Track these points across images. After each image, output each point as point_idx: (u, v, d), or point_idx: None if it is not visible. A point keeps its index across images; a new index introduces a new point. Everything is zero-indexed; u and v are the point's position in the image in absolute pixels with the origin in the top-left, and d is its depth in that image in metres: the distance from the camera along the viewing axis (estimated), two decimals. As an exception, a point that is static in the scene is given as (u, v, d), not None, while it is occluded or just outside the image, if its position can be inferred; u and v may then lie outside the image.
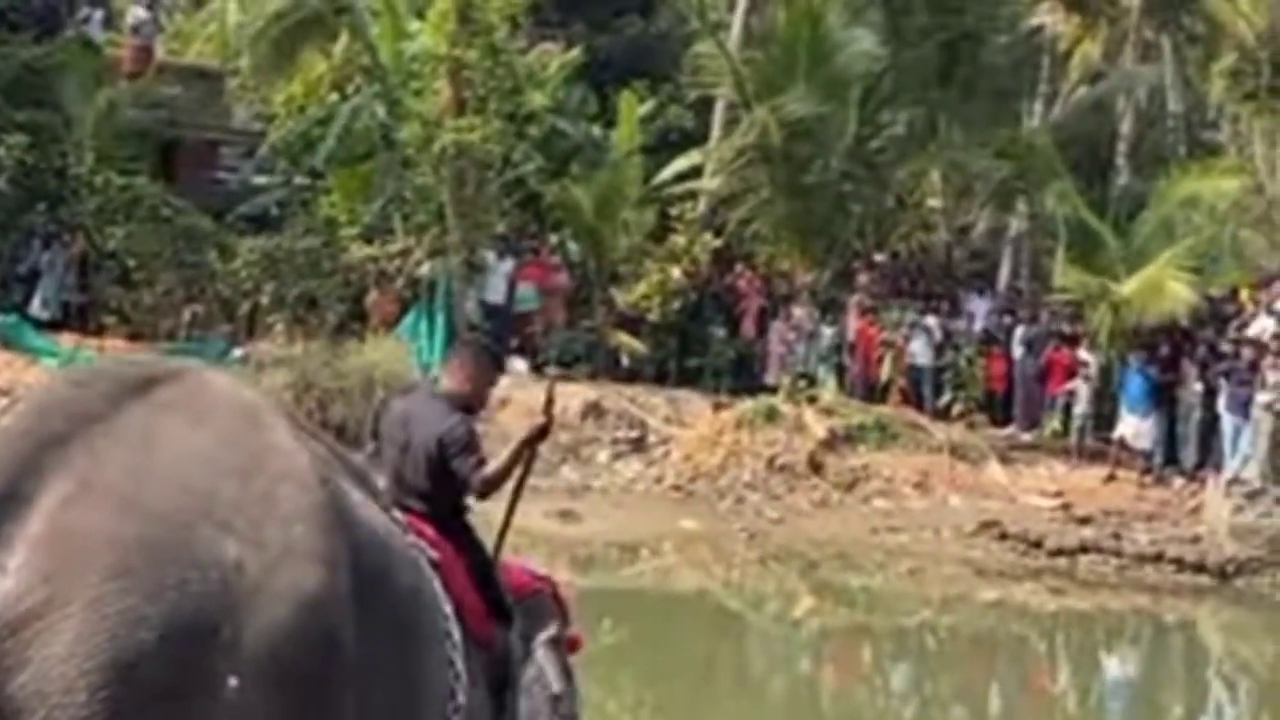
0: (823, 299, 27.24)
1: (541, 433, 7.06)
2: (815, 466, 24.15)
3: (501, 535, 7.13)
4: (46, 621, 4.01)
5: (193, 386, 4.60)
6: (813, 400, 25.34)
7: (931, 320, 26.08)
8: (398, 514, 5.64)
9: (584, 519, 22.14)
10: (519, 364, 26.54)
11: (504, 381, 26.07)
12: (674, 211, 27.88)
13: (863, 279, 27.95)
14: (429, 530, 6.35)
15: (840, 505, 23.73)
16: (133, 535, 4.13)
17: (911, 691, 17.32)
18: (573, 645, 7.41)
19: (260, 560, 4.27)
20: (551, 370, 26.16)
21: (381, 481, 6.29)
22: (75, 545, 4.08)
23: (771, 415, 24.75)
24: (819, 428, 24.61)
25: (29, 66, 28.19)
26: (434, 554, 6.00)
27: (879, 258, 29.31)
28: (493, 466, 6.81)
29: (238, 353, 26.43)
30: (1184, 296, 23.93)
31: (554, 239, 28.45)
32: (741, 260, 28.29)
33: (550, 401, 7.33)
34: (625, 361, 27.03)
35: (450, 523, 6.73)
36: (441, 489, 6.77)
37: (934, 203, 30.37)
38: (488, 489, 6.85)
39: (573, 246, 28.48)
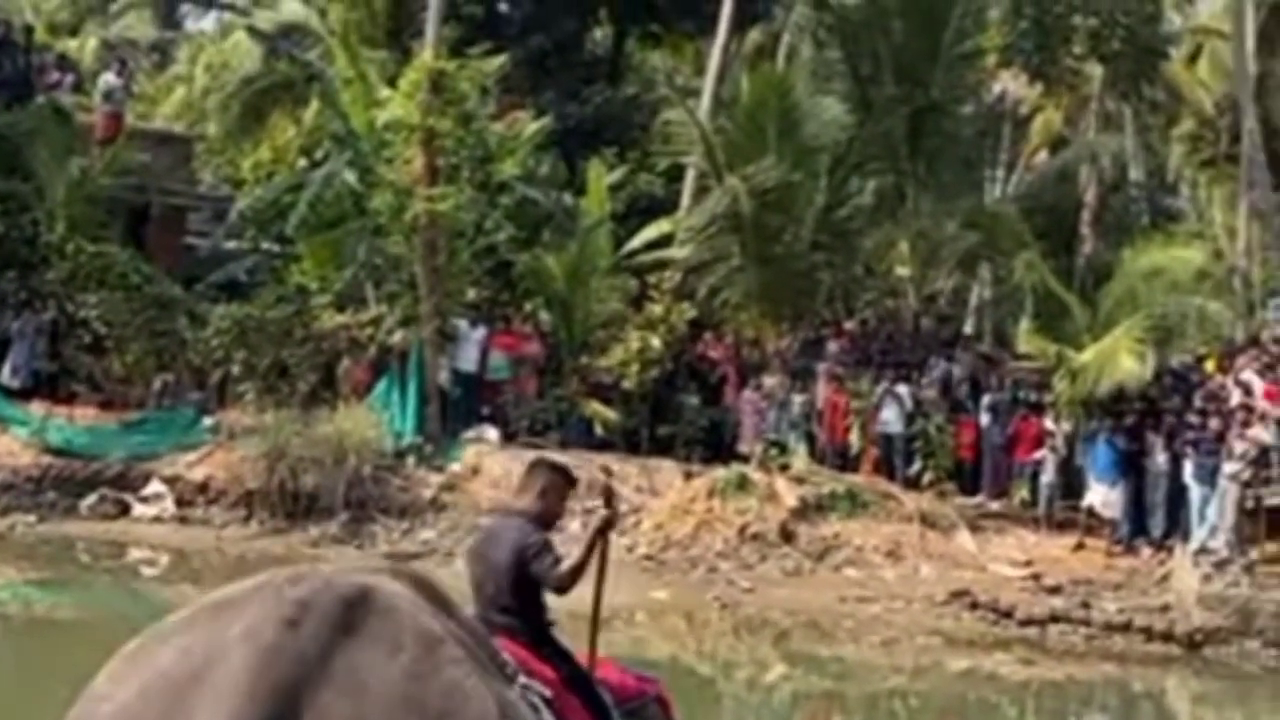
0: (794, 367, 27.35)
1: (607, 524, 7.46)
2: (787, 535, 24.19)
3: (594, 630, 7.61)
4: None
5: (382, 613, 5.07)
6: (784, 469, 25.40)
7: (903, 388, 26.16)
8: (508, 656, 6.16)
9: (554, 588, 21.92)
10: (490, 433, 26.67)
11: (474, 450, 26.11)
12: (652, 279, 28.04)
13: (832, 347, 28.11)
14: (526, 653, 6.75)
15: (812, 574, 23.73)
16: None
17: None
18: None
19: None
20: (522, 438, 26.38)
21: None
22: None
23: (743, 484, 24.81)
24: (790, 496, 24.67)
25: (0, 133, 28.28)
26: (547, 692, 6.48)
27: (848, 325, 29.48)
28: (567, 563, 7.17)
29: (208, 421, 26.50)
30: (1133, 367, 24.06)
31: (526, 307, 28.53)
32: (713, 328, 28.38)
33: (610, 493, 7.93)
34: (598, 430, 27.02)
35: (538, 635, 7.09)
36: (525, 603, 7.13)
37: (902, 271, 30.58)
38: (566, 583, 7.19)
39: (545, 315, 28.57)
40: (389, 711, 4.75)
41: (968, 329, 32.54)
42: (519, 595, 7.12)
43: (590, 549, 7.30)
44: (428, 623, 5.21)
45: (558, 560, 7.11)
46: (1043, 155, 40.91)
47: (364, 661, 4.83)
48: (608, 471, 10.29)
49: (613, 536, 7.66)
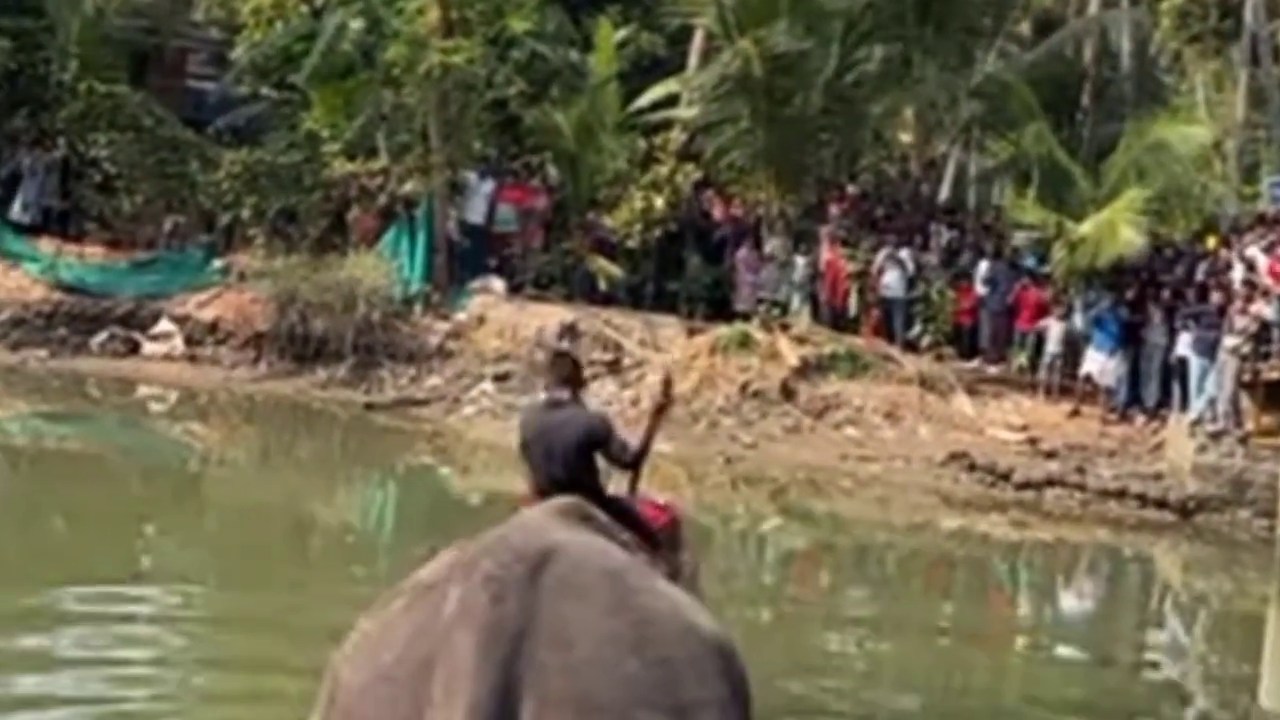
0: (797, 229, 27.57)
1: (661, 410, 8.97)
2: (787, 393, 24.57)
3: (635, 480, 8.64)
4: None
5: (568, 566, 5.75)
6: (785, 328, 25.74)
7: (905, 253, 26.47)
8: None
9: (557, 439, 22.10)
10: (496, 284, 26.93)
11: (480, 300, 26.26)
12: (658, 140, 28.15)
13: (834, 210, 28.31)
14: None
15: (812, 432, 24.14)
16: None
17: (866, 603, 17.26)
18: None
19: None
20: (528, 290, 26.67)
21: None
22: None
23: (745, 342, 25.19)
24: (792, 356, 25.01)
25: (13, -29, 28.11)
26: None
27: (850, 190, 29.68)
28: (636, 445, 8.31)
29: (217, 264, 26.70)
30: (1132, 239, 24.46)
31: (534, 162, 28.66)
32: (718, 189, 28.55)
33: (669, 383, 9.59)
34: (602, 286, 27.30)
35: (601, 499, 7.74)
36: (586, 476, 7.91)
37: (905, 138, 30.72)
38: (636, 462, 8.36)
39: (552, 170, 28.71)
40: (597, 650, 5.44)
41: (972, 200, 32.59)
42: (586, 470, 7.89)
43: (651, 433, 8.54)
44: (607, 561, 5.95)
45: (625, 444, 8.15)
46: (1024, 27, 40.81)
47: (565, 614, 5.49)
48: (668, 380, 10.93)
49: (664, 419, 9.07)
